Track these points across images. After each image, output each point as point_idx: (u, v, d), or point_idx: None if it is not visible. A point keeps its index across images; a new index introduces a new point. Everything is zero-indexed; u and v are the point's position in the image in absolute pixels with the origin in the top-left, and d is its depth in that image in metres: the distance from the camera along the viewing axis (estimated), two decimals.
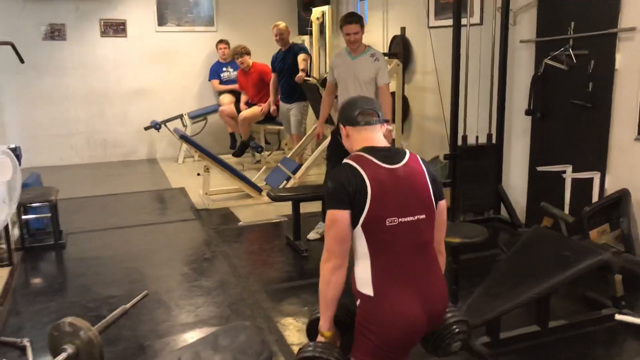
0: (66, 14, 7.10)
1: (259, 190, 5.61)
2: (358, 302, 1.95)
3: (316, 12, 6.95)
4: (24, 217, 4.36)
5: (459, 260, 3.21)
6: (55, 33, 7.11)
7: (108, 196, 5.88)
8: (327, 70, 6.44)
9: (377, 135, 2.06)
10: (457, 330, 2.05)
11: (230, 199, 5.58)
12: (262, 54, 7.05)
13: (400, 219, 1.91)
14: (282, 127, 7.03)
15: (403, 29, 6.20)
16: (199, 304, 3.38)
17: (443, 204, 2.04)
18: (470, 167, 4.57)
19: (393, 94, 5.38)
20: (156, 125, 7.15)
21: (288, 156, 6.11)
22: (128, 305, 2.99)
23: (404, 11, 6.25)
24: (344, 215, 1.90)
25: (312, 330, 2.11)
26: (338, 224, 1.90)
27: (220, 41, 7.58)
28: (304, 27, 7.15)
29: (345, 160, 1.99)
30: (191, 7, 7.64)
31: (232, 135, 7.37)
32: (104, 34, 7.30)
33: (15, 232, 4.37)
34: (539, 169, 4.16)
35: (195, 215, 5.15)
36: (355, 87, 4.19)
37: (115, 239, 4.62)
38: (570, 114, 4.11)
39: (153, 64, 7.56)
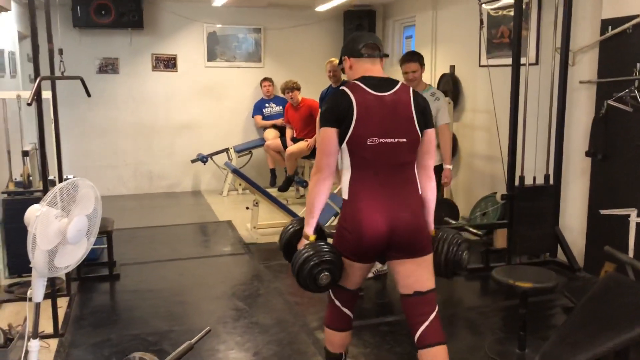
0: (120, 48, 7.31)
1: None
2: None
3: None
4: None
5: (527, 306, 3.12)
6: (109, 67, 7.32)
7: (156, 227, 5.93)
8: None
9: (376, 67, 2.36)
10: (457, 240, 2.39)
11: (278, 234, 5.54)
12: (307, 89, 7.13)
13: (380, 140, 2.22)
14: None
15: (452, 67, 6.22)
16: (258, 341, 3.33)
17: (431, 132, 2.32)
18: (527, 208, 4.49)
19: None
20: (203, 159, 7.24)
21: (334, 191, 6.09)
22: (193, 341, 2.95)
23: (453, 49, 6.27)
24: (331, 132, 2.22)
25: (288, 251, 2.47)
26: (326, 140, 2.24)
27: (265, 79, 7.71)
28: None
29: (340, 87, 2.33)
30: (240, 43, 7.80)
31: (273, 171, 7.37)
32: (155, 68, 7.49)
33: None
34: (603, 212, 4.05)
35: (245, 250, 5.15)
36: None
37: (167, 271, 4.64)
38: (634, 156, 4.02)
39: (201, 98, 7.70)
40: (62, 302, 3.86)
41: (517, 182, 4.52)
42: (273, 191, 6.51)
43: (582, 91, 4.47)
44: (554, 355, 2.69)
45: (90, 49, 7.19)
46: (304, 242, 2.33)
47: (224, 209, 6.73)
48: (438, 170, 4.26)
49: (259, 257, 4.95)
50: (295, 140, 6.94)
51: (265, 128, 7.58)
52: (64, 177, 5.00)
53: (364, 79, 2.30)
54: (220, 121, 7.81)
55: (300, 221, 2.46)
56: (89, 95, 4.11)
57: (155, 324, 3.58)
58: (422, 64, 4.17)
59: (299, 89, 6.81)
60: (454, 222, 5.38)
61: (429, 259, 2.35)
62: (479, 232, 4.57)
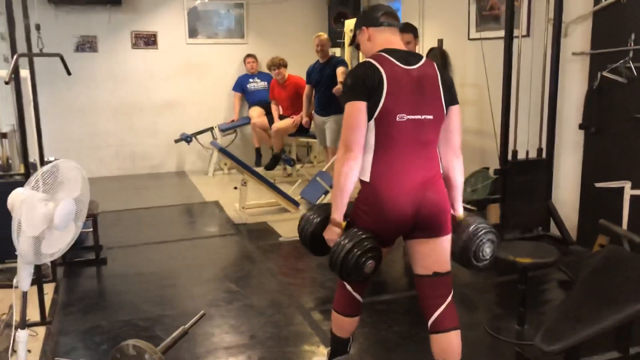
0: (98, 26, 7.07)
1: (296, 204, 5.50)
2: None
3: (349, 24, 6.89)
4: None
5: (527, 280, 3.08)
6: (87, 45, 7.08)
7: (142, 209, 5.80)
8: None
9: (396, 38, 2.22)
10: (483, 229, 2.23)
11: (267, 214, 5.47)
12: (292, 66, 6.98)
13: (408, 116, 2.08)
14: (311, 140, 6.95)
15: (440, 41, 6.11)
16: (254, 324, 3.26)
17: (456, 108, 2.19)
18: (520, 183, 4.45)
19: None
20: (187, 138, 7.09)
21: (324, 169, 6.00)
22: (187, 326, 2.86)
23: (441, 23, 6.15)
24: (361, 105, 2.05)
25: (315, 244, 2.27)
26: (356, 113, 2.05)
27: (248, 55, 7.55)
28: (335, 39, 7.07)
29: (366, 59, 2.15)
30: (222, 20, 7.60)
31: (258, 150, 7.27)
32: (135, 46, 7.27)
33: None
34: (598, 185, 4.02)
35: (234, 230, 5.05)
36: None
37: (155, 254, 4.53)
38: (629, 128, 3.98)
39: (183, 76, 7.51)
40: (49, 288, 3.73)
41: (509, 157, 4.47)
42: (260, 170, 6.40)
43: (575, 63, 4.41)
44: (558, 331, 2.65)
45: (67, 26, 6.94)
46: (335, 230, 2.16)
47: (210, 189, 6.60)
48: None
49: (249, 238, 4.85)
50: (282, 117, 6.81)
51: (251, 105, 7.43)
52: (46, 159, 4.86)
53: (389, 51, 2.14)
54: (204, 99, 7.63)
55: (321, 209, 2.30)
56: (69, 73, 3.93)
57: (146, 308, 3.49)
58: (416, 36, 4.07)
59: (285, 65, 6.65)
60: None
61: (449, 239, 2.22)
62: (472, 208, 4.52)
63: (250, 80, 7.52)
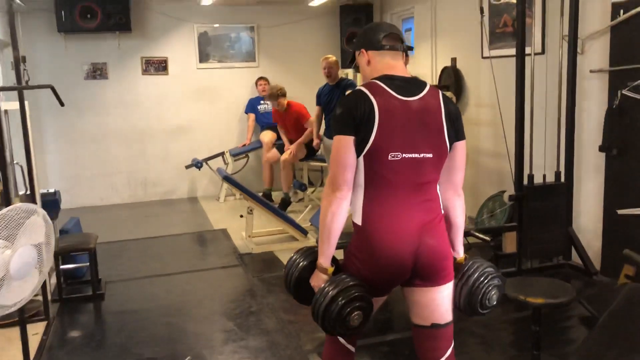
0: (108, 53, 7.04)
1: (304, 232, 5.30)
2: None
3: None
4: (61, 266, 4.14)
5: (541, 322, 2.81)
6: (97, 72, 7.06)
7: (148, 239, 5.66)
8: None
9: (399, 63, 1.99)
10: (489, 274, 2.02)
11: (274, 242, 5.28)
12: (303, 88, 6.84)
13: (404, 155, 1.86)
14: (324, 164, 6.76)
15: (454, 60, 5.89)
16: None
17: (462, 144, 1.97)
18: (537, 209, 4.17)
19: None
20: (197, 164, 6.97)
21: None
22: None
23: (454, 41, 5.94)
24: (348, 140, 1.85)
25: (299, 290, 2.05)
26: (343, 150, 1.85)
27: (260, 78, 7.44)
28: (347, 60, 6.89)
29: (358, 87, 1.93)
30: (232, 43, 7.51)
31: (269, 193, 6.71)
32: (145, 72, 7.22)
33: (52, 282, 4.16)
34: (620, 212, 3.74)
35: (239, 261, 4.87)
36: None
37: (155, 288, 4.37)
38: None
39: (194, 101, 7.42)
40: (39, 328, 3.61)
41: (525, 181, 4.20)
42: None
43: (593, 81, 4.14)
44: None
45: (77, 54, 6.92)
46: (321, 276, 1.95)
47: (219, 215, 6.45)
48: None
49: (253, 269, 4.66)
50: (291, 141, 6.63)
51: (263, 129, 7.29)
52: (46, 190, 4.77)
53: (386, 79, 1.92)
54: (215, 124, 7.52)
55: (308, 252, 2.07)
56: (61, 104, 3.80)
57: (137, 350, 3.31)
58: (406, 54, 3.86)
59: (284, 95, 6.38)
60: None
61: (450, 287, 2.01)
62: (487, 238, 4.26)
63: (261, 102, 7.39)
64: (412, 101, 1.89)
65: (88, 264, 4.20)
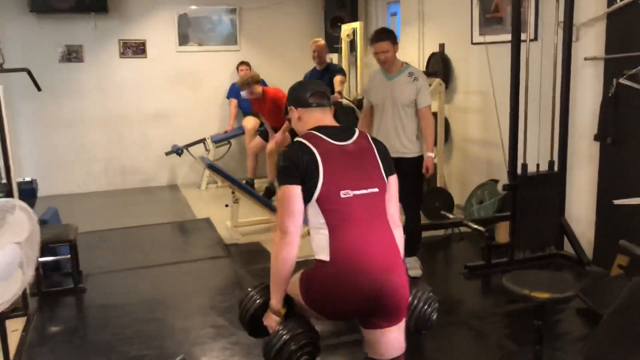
0: (84, 35, 6.77)
1: None
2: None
3: (346, 29, 6.58)
4: (41, 259, 3.95)
5: (544, 317, 2.75)
6: (73, 55, 6.78)
7: (129, 229, 5.48)
8: (360, 92, 6.07)
9: (327, 117, 2.15)
10: (431, 301, 2.18)
11: (260, 232, 5.15)
12: (287, 72, 6.67)
13: (354, 192, 1.98)
14: None
15: (442, 46, 5.79)
16: None
17: (394, 179, 2.13)
18: (531, 198, 4.12)
19: (435, 115, 4.96)
20: (178, 150, 6.78)
21: None
22: None
23: (443, 26, 5.84)
24: (294, 189, 1.95)
25: (253, 326, 2.19)
26: (289, 199, 1.96)
27: (241, 63, 7.22)
28: (332, 44, 6.75)
29: (297, 139, 2.06)
30: (213, 26, 7.29)
31: (252, 182, 6.43)
32: (123, 55, 6.96)
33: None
34: (616, 202, 3.70)
35: (225, 252, 4.73)
36: (393, 111, 3.78)
37: (139, 281, 4.21)
38: None
39: (174, 86, 7.19)
40: (18, 324, 3.43)
41: (519, 170, 4.14)
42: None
43: (588, 69, 4.08)
44: None
45: (51, 35, 6.64)
46: (272, 318, 2.06)
47: (202, 204, 6.29)
48: (419, 160, 3.85)
49: (240, 261, 4.53)
50: (274, 129, 6.44)
51: (245, 114, 7.09)
52: (22, 179, 4.56)
53: (320, 128, 2.07)
54: (196, 109, 7.32)
55: (263, 291, 2.17)
56: (38, 89, 3.63)
57: (122, 348, 3.16)
58: (394, 42, 3.74)
59: (257, 82, 5.78)
60: (451, 215, 5.02)
61: (403, 322, 2.10)
62: (481, 228, 4.19)
63: None
64: (347, 145, 2.05)
65: (69, 256, 4.03)
